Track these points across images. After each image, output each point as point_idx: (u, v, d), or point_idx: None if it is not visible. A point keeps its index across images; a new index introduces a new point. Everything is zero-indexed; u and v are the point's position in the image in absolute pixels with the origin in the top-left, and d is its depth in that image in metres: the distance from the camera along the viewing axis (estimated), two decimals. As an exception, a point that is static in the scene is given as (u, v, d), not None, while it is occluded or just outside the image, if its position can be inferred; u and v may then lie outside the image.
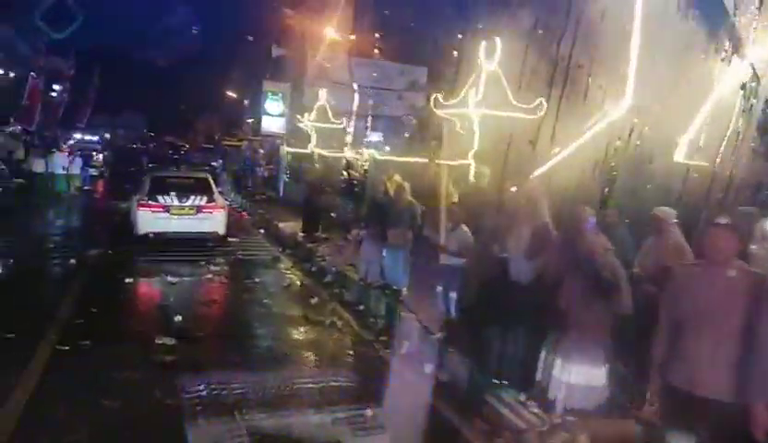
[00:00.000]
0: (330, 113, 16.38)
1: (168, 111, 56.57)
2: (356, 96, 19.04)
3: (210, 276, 9.72)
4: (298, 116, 16.71)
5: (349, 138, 16.94)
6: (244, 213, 17.81)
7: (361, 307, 7.90)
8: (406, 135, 17.48)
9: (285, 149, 19.99)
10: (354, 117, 18.44)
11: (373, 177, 9.61)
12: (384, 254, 7.77)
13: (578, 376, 4.04)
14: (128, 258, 10.68)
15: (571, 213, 4.21)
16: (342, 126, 16.28)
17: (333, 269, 9.74)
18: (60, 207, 16.84)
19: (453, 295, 5.97)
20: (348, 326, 7.30)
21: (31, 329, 6.39)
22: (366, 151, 14.11)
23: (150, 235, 11.39)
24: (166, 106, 56.27)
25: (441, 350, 5.88)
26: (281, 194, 19.97)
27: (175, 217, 11.46)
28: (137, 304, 8.24)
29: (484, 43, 8.42)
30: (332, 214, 13.82)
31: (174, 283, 9.00)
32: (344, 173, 19.04)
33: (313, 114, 16.44)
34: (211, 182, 12.94)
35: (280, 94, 19.38)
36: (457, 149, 8.82)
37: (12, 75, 24.95)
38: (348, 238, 12.29)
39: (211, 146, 42.76)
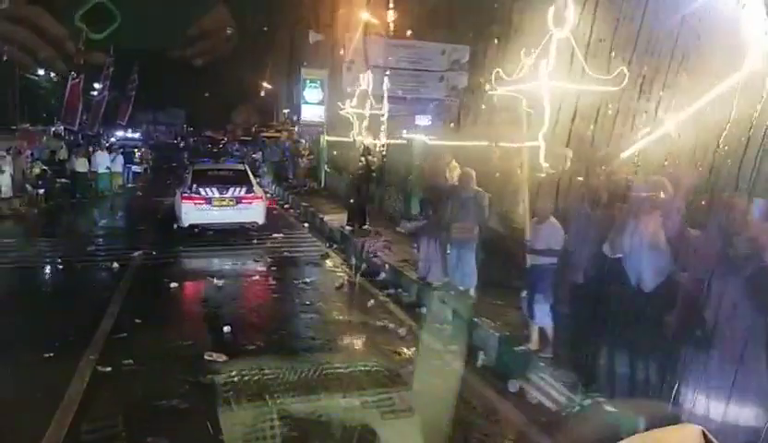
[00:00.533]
0: (372, 99, 15.49)
1: (206, 105, 56.85)
2: (386, 79, 17.96)
3: (257, 277, 9.08)
4: (339, 103, 15.91)
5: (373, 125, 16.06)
6: (286, 206, 17.21)
7: (423, 310, 7.09)
8: (449, 117, 16.44)
9: (325, 138, 19.27)
10: (385, 101, 17.44)
11: (431, 165, 8.72)
12: (448, 250, 6.90)
13: (736, 416, 3.12)
14: (172, 259, 10.18)
15: (725, 201, 3.27)
16: (384, 111, 15.38)
17: (387, 266, 8.95)
18: (103, 206, 16.60)
19: (542, 301, 5.06)
20: (411, 333, 6.49)
21: (71, 347, 5.84)
22: (414, 136, 13.16)
23: (196, 229, 11.68)
24: (204, 101, 56.55)
25: (531, 364, 5.02)
26: (322, 184, 19.30)
27: (216, 208, 11.70)
28: (182, 312, 7.63)
29: (553, 8, 7.34)
30: (378, 205, 13.05)
31: (220, 287, 8.39)
32: (362, 159, 18.24)
33: (354, 101, 15.59)
34: (249, 173, 13.04)
35: (318, 81, 18.61)
36: (525, 129, 7.82)
37: (53, 75, 25.05)
38: (399, 230, 11.48)
39: (249, 138, 42.58)
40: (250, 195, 11.93)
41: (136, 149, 28.35)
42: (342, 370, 5.47)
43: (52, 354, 5.65)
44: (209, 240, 11.72)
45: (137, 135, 49.55)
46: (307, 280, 8.88)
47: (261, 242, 11.76)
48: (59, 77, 25.14)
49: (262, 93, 44.74)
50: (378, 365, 5.61)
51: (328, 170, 19.26)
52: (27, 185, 15.93)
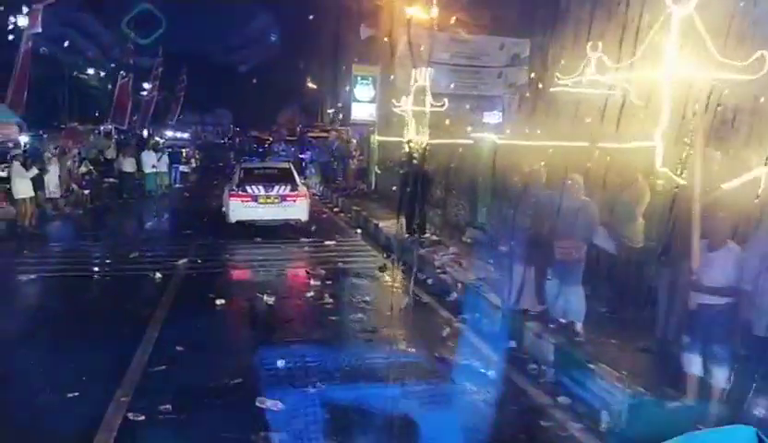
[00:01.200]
0: (429, 96, 14.28)
1: (252, 106, 56.97)
2: (442, 75, 16.65)
3: (310, 293, 8.01)
4: (393, 101, 14.77)
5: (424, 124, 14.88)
6: (336, 209, 16.19)
7: (512, 345, 5.82)
8: (519, 113, 15.05)
9: (376, 137, 18.16)
10: (428, 97, 16.13)
11: (511, 167, 7.48)
12: (549, 275, 5.62)
13: None
14: (219, 269, 9.26)
15: None
16: (444, 109, 14.15)
17: (459, 285, 7.72)
18: (149, 207, 15.97)
19: (721, 354, 3.73)
20: (505, 378, 5.23)
21: (100, 382, 4.88)
22: (481, 135, 11.87)
23: (245, 223, 11.84)
24: (250, 101, 56.72)
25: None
26: (373, 187, 18.20)
27: (262, 205, 11.86)
28: (230, 338, 6.60)
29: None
30: (439, 211, 11.81)
31: (270, 305, 7.36)
32: (408, 158, 17.06)
33: (410, 98, 14.41)
34: (294, 172, 13.09)
35: (370, 78, 17.53)
36: (631, 127, 6.44)
37: (102, 74, 24.90)
38: (465, 241, 10.23)
39: (295, 138, 42.05)
40: (294, 192, 12.01)
41: (184, 149, 28.07)
42: (422, 429, 4.29)
43: (77, 394, 4.69)
44: (257, 246, 10.79)
45: (185, 135, 49.91)
46: (367, 298, 7.75)
47: (313, 250, 10.75)
48: (108, 76, 24.95)
49: (308, 92, 44.42)
50: (470, 424, 4.41)
51: (378, 171, 18.15)
52: (73, 185, 15.46)
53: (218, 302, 7.35)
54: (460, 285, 7.68)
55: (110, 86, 24.84)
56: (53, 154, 14.87)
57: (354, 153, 17.49)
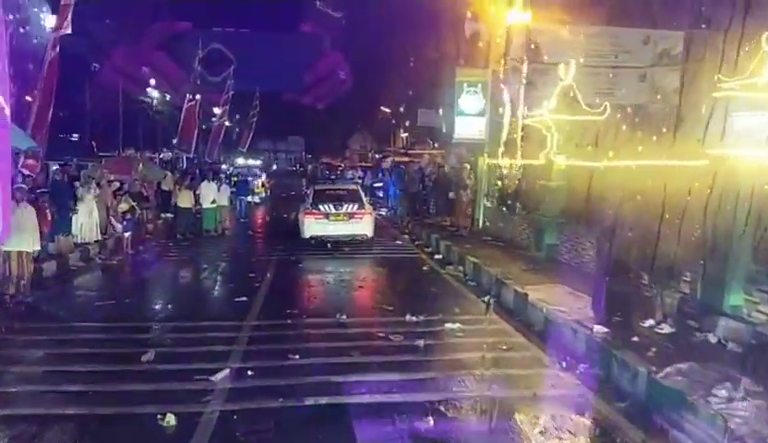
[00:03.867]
0: (580, 100, 9.72)
1: (324, 132, 54.67)
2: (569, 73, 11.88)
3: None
4: (525, 112, 10.40)
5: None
6: (437, 256, 11.75)
7: None
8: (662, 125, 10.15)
9: (486, 160, 13.67)
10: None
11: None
12: None
13: None
14: (282, 397, 5.00)
15: None
16: (603, 117, 9.56)
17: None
18: (201, 255, 12.08)
19: None
20: None
21: None
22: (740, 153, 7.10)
23: (313, 241, 12.45)
24: (321, 128, 54.47)
25: None
26: (480, 225, 13.67)
27: (333, 222, 12.52)
28: None
29: None
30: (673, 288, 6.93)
31: None
32: (498, 183, 12.57)
33: (552, 102, 9.90)
34: (361, 192, 13.89)
35: (479, 85, 13.13)
36: None
37: (168, 98, 22.05)
38: (724, 344, 5.45)
39: (368, 164, 38.44)
40: (361, 211, 12.69)
41: (251, 177, 24.77)
42: None
43: None
44: (341, 357, 6.53)
45: (257, 162, 47.82)
46: None
47: (425, 352, 6.27)
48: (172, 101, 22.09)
49: (380, 117, 41.63)
50: None
51: (488, 204, 13.61)
52: (113, 225, 11.96)
53: None
54: None
55: (176, 112, 21.90)
56: (86, 189, 11.47)
57: (467, 182, 13.02)
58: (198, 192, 14.79)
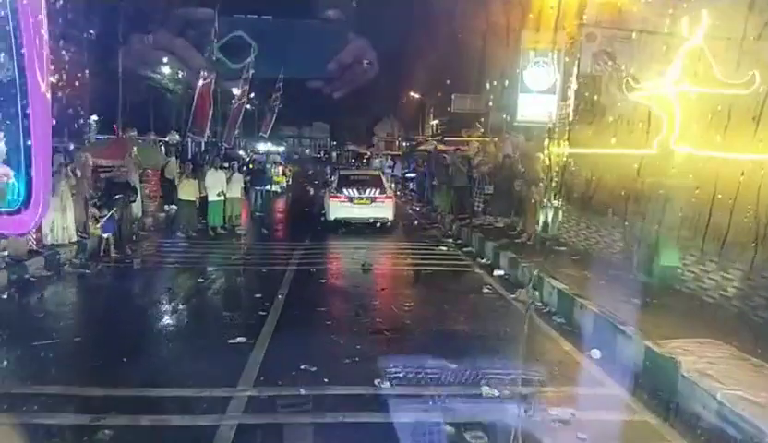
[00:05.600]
0: (714, 68, 6.80)
1: (349, 119, 52.09)
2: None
3: None
4: (629, 81, 7.64)
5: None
6: (503, 274, 8.98)
7: None
8: None
9: (555, 150, 10.79)
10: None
11: None
12: None
13: None
14: None
15: None
16: (750, 91, 6.62)
17: None
18: (195, 263, 9.46)
19: None
20: None
21: None
22: None
23: (342, 229, 12.87)
24: (347, 114, 51.83)
25: None
26: (549, 231, 10.80)
27: (357, 205, 12.89)
28: None
29: None
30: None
31: None
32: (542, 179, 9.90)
33: (673, 71, 7.05)
34: (383, 178, 14.31)
35: (549, 54, 10.26)
36: None
37: (181, 75, 19.57)
38: None
39: (397, 152, 35.72)
40: (383, 195, 13.07)
41: (271, 165, 22.27)
42: None
43: None
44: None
45: (280, 148, 45.50)
46: None
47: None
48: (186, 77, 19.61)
49: (408, 103, 39.22)
50: None
51: (557, 204, 10.74)
52: (92, 223, 9.51)
53: None
54: None
55: (189, 91, 19.47)
56: (58, 178, 9.01)
57: (541, 177, 10.16)
58: (206, 182, 12.32)
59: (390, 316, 6.85)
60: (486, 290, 8.07)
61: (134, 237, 10.75)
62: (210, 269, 9.06)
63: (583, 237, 9.67)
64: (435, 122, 39.66)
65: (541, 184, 9.94)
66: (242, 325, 6.24)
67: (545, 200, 9.89)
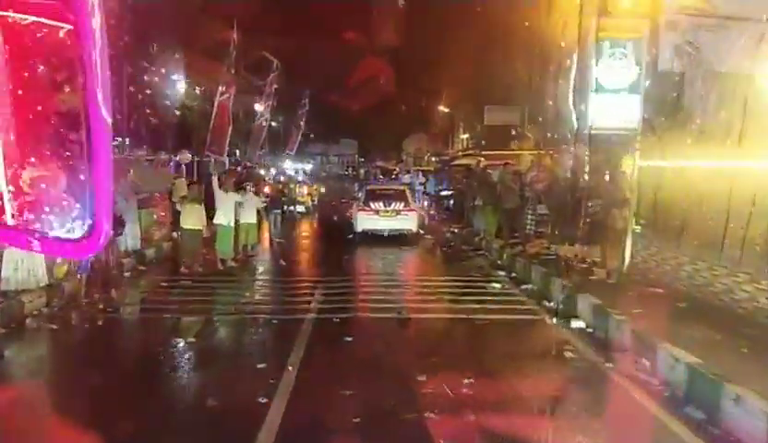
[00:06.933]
0: None
1: (377, 135, 50.56)
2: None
3: None
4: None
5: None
6: (558, 311, 6.74)
7: None
8: None
9: (637, 162, 8.50)
10: None
11: None
12: None
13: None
14: None
15: None
16: None
17: None
18: (189, 311, 7.41)
19: None
20: None
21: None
22: None
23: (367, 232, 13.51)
24: (375, 130, 50.30)
25: None
26: (624, 262, 8.47)
27: (382, 218, 13.57)
28: None
29: None
30: None
31: None
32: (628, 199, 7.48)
33: None
34: (407, 192, 14.75)
35: (630, 43, 8.06)
36: None
37: (198, 91, 18.06)
38: None
39: (428, 168, 33.73)
40: (407, 208, 13.74)
41: (295, 184, 20.47)
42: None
43: None
44: None
45: (308, 166, 44.06)
46: None
47: None
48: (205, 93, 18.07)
49: (437, 118, 37.71)
50: None
51: (639, 229, 8.44)
52: (60, 261, 7.71)
53: None
54: None
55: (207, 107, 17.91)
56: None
57: (628, 197, 7.83)
58: (216, 205, 10.49)
59: (439, 404, 4.68)
60: (568, 354, 5.84)
61: (124, 275, 8.93)
62: (206, 319, 7.09)
63: (686, 275, 7.34)
64: (465, 136, 37.71)
65: (626, 208, 7.65)
66: (236, 419, 4.21)
67: (632, 227, 7.61)
